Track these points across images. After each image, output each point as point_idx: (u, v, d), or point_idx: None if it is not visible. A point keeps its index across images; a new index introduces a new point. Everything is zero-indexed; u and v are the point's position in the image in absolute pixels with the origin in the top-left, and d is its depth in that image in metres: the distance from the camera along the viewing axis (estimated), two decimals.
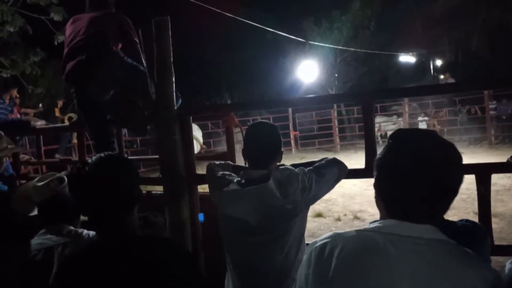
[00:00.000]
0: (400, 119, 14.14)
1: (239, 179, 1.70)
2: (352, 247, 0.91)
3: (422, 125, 12.98)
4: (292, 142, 14.42)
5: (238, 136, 6.15)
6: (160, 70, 2.15)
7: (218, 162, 1.95)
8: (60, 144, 6.98)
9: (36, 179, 2.19)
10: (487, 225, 1.72)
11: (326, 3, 18.01)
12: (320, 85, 18.63)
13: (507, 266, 1.10)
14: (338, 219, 5.79)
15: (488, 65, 16.59)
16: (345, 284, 0.88)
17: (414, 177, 0.89)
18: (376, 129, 14.70)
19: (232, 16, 8.64)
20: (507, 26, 16.14)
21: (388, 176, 0.95)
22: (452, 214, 1.08)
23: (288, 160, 1.94)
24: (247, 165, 1.81)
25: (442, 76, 17.66)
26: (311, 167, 1.76)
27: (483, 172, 1.76)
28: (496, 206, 5.51)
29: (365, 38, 18.33)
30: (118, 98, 2.70)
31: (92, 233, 1.77)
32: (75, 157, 6.28)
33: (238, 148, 2.28)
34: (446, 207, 0.93)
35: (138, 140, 10.49)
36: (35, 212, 2.10)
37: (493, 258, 1.36)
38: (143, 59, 2.56)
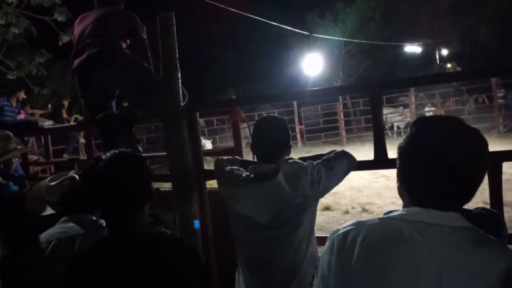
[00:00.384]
0: (406, 110, 14.02)
1: (248, 173, 1.69)
2: (375, 235, 0.90)
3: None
4: (298, 136, 14.39)
5: (245, 131, 6.13)
6: (166, 67, 2.15)
7: (226, 158, 1.95)
8: (68, 144, 7.03)
9: (48, 178, 2.20)
10: (499, 213, 1.69)
11: None
12: (325, 78, 18.53)
13: None
14: (346, 212, 5.79)
15: (496, 55, 16.37)
16: (368, 272, 0.87)
17: (438, 165, 0.88)
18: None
19: (237, 11, 8.62)
20: None
21: (412, 164, 0.94)
22: None
23: (294, 154, 1.93)
24: (255, 160, 1.80)
25: (449, 65, 17.48)
26: (319, 160, 1.75)
27: (493, 161, 1.74)
28: (506, 195, 5.42)
29: (370, 30, 18.18)
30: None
31: None
32: (82, 157, 6.32)
33: (245, 144, 2.28)
34: (471, 194, 0.91)
35: (144, 138, 10.54)
36: (47, 212, 2.12)
37: None
38: (149, 56, 2.56)
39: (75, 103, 10.42)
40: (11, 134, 2.69)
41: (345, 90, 7.17)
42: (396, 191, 1.01)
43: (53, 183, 2.06)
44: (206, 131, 13.89)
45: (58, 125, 5.03)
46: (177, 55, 2.14)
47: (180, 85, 2.16)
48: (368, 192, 6.72)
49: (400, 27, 18.72)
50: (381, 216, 0.99)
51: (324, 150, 1.88)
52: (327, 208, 5.96)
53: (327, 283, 0.95)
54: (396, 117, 14.46)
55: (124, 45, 2.70)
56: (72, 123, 7.40)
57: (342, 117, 14.53)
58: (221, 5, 7.52)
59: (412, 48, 20.26)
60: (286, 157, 1.76)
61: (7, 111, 5.81)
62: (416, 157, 0.93)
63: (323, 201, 6.08)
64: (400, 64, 20.45)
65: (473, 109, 12.69)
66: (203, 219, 2.24)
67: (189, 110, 2.21)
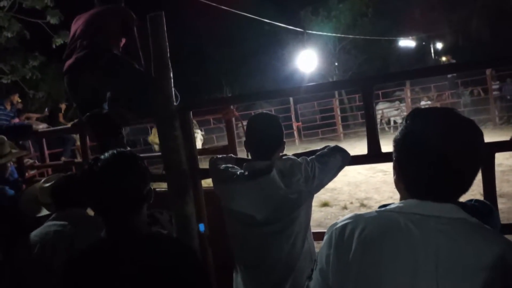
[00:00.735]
0: (403, 104, 14.06)
1: (242, 171, 1.70)
2: (373, 228, 0.90)
3: None
4: (295, 133, 14.40)
5: (241, 130, 6.12)
6: (158, 67, 2.14)
7: (221, 156, 1.95)
8: (66, 147, 7.01)
9: (42, 180, 2.21)
10: (492, 204, 1.70)
11: None
12: (320, 74, 18.55)
13: None
14: (345, 208, 5.80)
15: (490, 46, 16.41)
16: (366, 264, 0.88)
17: (433, 157, 0.88)
18: (379, 116, 14.68)
19: (229, 9, 8.60)
20: (507, 8, 15.94)
21: (408, 157, 0.94)
22: None
23: (291, 152, 1.93)
24: (249, 157, 1.80)
25: (444, 58, 17.53)
26: (313, 156, 1.75)
27: (486, 152, 1.74)
28: (502, 187, 5.49)
29: (363, 25, 18.20)
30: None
31: None
32: (79, 159, 6.31)
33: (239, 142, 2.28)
34: (468, 185, 0.91)
35: (142, 140, 10.52)
36: (42, 213, 2.12)
37: None
38: (141, 56, 2.54)
39: (72, 106, 10.38)
40: (5, 138, 2.68)
41: (337, 85, 7.31)
42: (394, 186, 1.01)
43: (47, 185, 2.07)
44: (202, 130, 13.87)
45: (52, 128, 5.01)
46: (168, 55, 2.14)
47: (172, 85, 2.16)
48: (366, 187, 6.74)
49: (394, 22, 18.78)
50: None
51: (321, 146, 1.89)
52: (325, 204, 5.97)
53: (325, 276, 0.95)
54: (393, 112, 14.51)
55: (119, 44, 2.64)
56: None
57: (339, 113, 14.55)
58: (213, 4, 7.50)
59: (407, 43, 20.30)
60: (280, 154, 1.76)
61: (1, 115, 5.79)
62: (412, 150, 0.93)
63: (321, 197, 6.10)
64: (395, 58, 20.50)
65: (469, 101, 12.74)
66: (199, 218, 2.24)
67: (182, 109, 2.20)
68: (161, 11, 2.09)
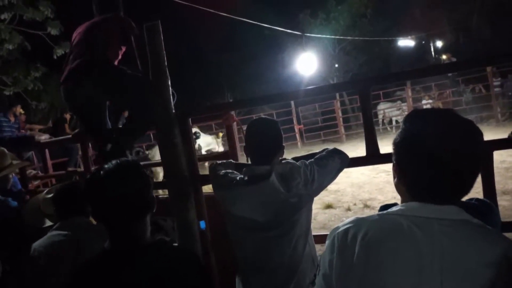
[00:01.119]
0: (404, 104, 14.03)
1: (242, 176, 1.70)
2: (376, 231, 0.90)
3: None
4: (297, 136, 14.38)
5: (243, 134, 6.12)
6: (155, 75, 2.16)
7: (220, 162, 1.96)
8: (71, 157, 7.03)
9: (45, 191, 2.23)
10: (492, 202, 1.70)
11: None
12: (320, 76, 18.54)
13: None
14: (348, 209, 5.79)
15: (490, 44, 16.36)
16: (370, 268, 0.88)
17: (432, 160, 0.88)
18: (380, 116, 14.66)
19: (228, 15, 8.64)
20: (507, 5, 15.90)
21: (408, 160, 0.94)
22: None
23: (293, 155, 1.94)
24: (249, 162, 1.81)
25: (444, 57, 17.48)
26: (312, 159, 1.76)
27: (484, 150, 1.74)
28: (507, 184, 5.46)
29: (363, 26, 18.19)
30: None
31: None
32: (82, 169, 6.33)
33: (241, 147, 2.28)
34: (469, 186, 0.91)
35: (144, 146, 10.55)
36: (46, 224, 2.14)
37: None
38: (138, 63, 2.54)
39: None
40: (6, 150, 2.70)
41: (335, 88, 7.31)
42: None
43: (49, 195, 2.08)
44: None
45: (53, 138, 5.03)
46: (166, 63, 2.15)
47: (170, 92, 2.17)
48: (369, 188, 6.72)
49: (393, 22, 18.76)
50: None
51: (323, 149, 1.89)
52: (329, 206, 5.95)
53: (329, 281, 0.95)
54: (394, 112, 14.49)
55: (119, 52, 2.64)
56: None
57: (340, 114, 14.53)
58: (211, 10, 7.53)
59: (406, 42, 20.28)
60: (280, 158, 1.77)
61: (5, 126, 5.82)
62: (411, 151, 0.93)
63: (325, 199, 6.09)
64: (395, 58, 20.47)
65: (470, 99, 12.68)
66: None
67: (181, 116, 2.22)
68: (159, 19, 2.11)
